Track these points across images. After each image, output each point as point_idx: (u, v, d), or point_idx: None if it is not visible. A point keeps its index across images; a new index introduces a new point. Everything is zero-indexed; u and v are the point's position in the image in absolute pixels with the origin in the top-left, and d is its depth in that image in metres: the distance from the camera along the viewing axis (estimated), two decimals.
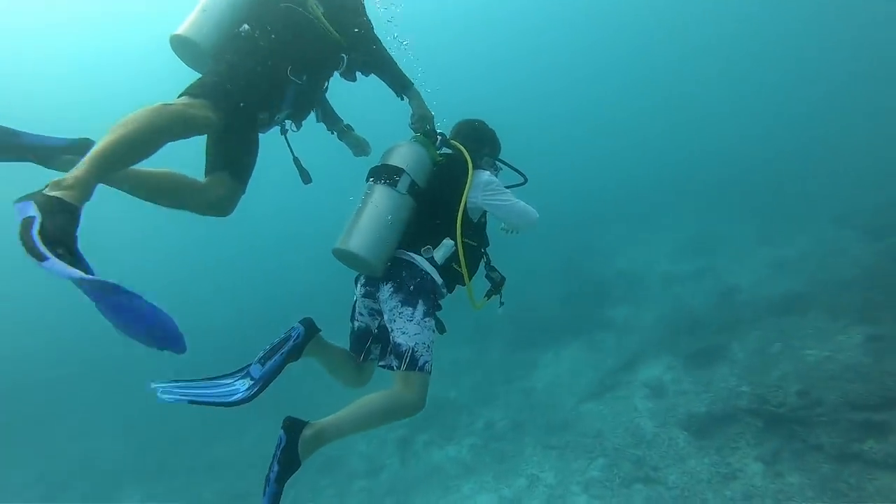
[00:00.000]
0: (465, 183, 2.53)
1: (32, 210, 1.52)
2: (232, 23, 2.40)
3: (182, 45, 2.39)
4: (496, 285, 2.71)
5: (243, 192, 2.48)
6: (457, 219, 2.45)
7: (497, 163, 3.02)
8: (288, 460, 2.00)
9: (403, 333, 2.28)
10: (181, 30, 2.35)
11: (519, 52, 32.34)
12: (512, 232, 2.92)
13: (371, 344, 2.64)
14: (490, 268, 2.72)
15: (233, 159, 2.43)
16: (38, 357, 17.76)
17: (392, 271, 2.42)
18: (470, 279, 2.52)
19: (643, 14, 28.20)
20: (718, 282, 10.41)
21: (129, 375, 14.87)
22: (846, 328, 6.62)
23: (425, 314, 2.34)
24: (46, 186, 1.63)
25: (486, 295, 2.70)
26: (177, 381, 2.09)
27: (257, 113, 2.41)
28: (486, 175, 2.63)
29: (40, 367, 16.67)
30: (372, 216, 2.38)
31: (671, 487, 5.63)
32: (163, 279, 21.43)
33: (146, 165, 2.08)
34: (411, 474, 7.63)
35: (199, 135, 2.21)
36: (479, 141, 2.90)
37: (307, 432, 2.07)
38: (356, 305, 2.66)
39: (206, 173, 2.42)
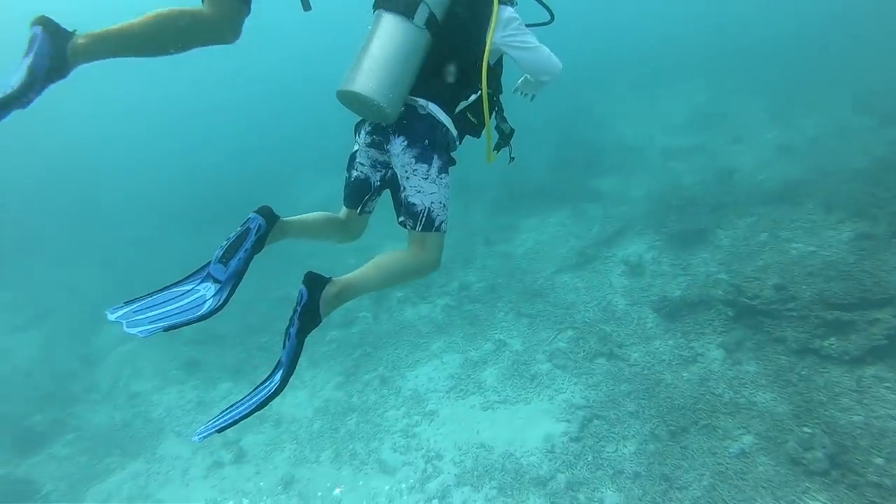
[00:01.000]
0: (490, 19, 2.21)
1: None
2: None
3: None
4: (505, 137, 2.49)
5: (248, 13, 2.19)
6: (480, 62, 2.19)
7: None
8: (309, 317, 1.90)
9: (418, 192, 2.14)
10: None
11: None
12: (526, 94, 2.69)
13: (369, 197, 2.48)
14: (501, 118, 2.46)
15: None
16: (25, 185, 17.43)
17: (404, 122, 2.18)
18: (490, 130, 2.33)
19: None
20: (717, 160, 9.99)
21: (106, 211, 14.74)
22: (838, 223, 6.41)
23: (440, 170, 2.18)
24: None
25: (494, 148, 2.48)
26: (132, 302, 1.93)
27: None
28: (509, 11, 2.28)
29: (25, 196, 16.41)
30: (383, 52, 2.07)
31: (632, 364, 5.82)
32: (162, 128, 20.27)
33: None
34: (383, 329, 7.85)
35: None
36: None
37: (329, 290, 1.96)
38: (356, 154, 2.43)
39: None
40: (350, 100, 2.14)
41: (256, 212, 2.12)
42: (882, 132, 8.88)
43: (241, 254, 1.99)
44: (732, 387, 5.06)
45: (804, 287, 5.45)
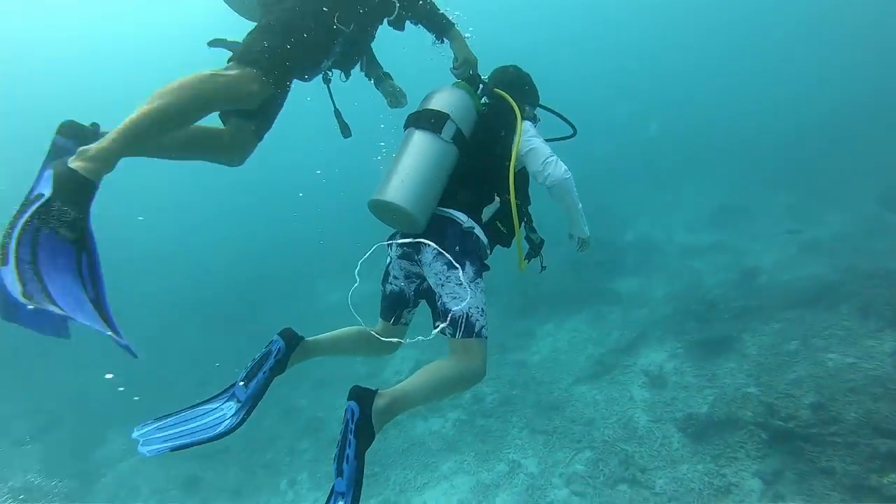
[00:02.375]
0: (514, 134, 2.38)
1: (47, 184, 1.61)
2: None
3: None
4: (536, 247, 2.56)
5: (258, 143, 2.42)
6: (507, 173, 2.31)
7: (537, 113, 2.83)
8: (365, 433, 1.86)
9: (454, 298, 2.15)
10: None
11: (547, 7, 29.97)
12: (572, 237, 2.78)
13: (406, 310, 2.53)
14: (531, 228, 2.57)
15: (262, 114, 2.35)
16: None
17: (434, 230, 2.25)
18: (520, 238, 2.41)
19: None
20: (739, 260, 9.66)
21: (121, 307, 14.98)
22: (878, 332, 5.93)
23: (475, 275, 2.21)
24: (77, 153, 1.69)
25: (525, 257, 2.53)
26: (161, 419, 2.05)
27: (304, 73, 2.40)
28: (530, 126, 2.50)
29: None
30: (413, 164, 2.21)
31: (657, 493, 5.20)
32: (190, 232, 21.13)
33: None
34: (391, 445, 7.36)
35: (243, 107, 2.16)
36: (521, 89, 2.72)
37: (379, 402, 1.93)
38: (389, 267, 2.51)
39: (226, 121, 2.33)
40: (382, 209, 2.21)
41: (279, 334, 2.22)
42: None
43: (260, 376, 2.07)
44: None
45: (847, 407, 4.91)
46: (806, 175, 12.46)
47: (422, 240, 2.24)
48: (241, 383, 2.08)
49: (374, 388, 1.98)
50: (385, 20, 2.62)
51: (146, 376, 11.01)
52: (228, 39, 2.32)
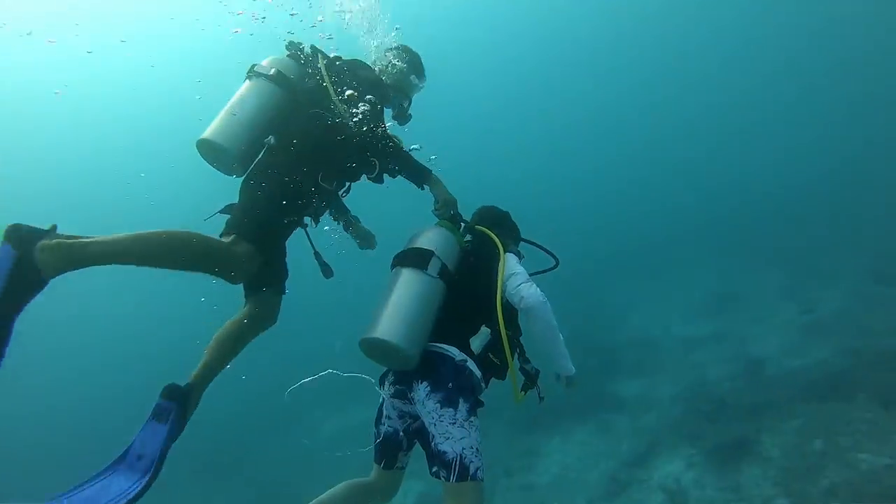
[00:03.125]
0: (498, 267, 2.43)
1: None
2: (260, 130, 2.44)
3: (209, 149, 2.40)
4: (531, 378, 2.53)
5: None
6: (495, 305, 2.33)
7: (519, 247, 2.94)
8: None
9: (448, 439, 2.09)
10: (209, 134, 2.36)
11: (519, 101, 31.77)
12: (559, 380, 2.72)
13: (399, 452, 2.48)
14: (524, 359, 2.53)
15: (275, 278, 2.50)
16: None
17: (426, 367, 2.23)
18: (513, 369, 2.39)
19: (647, 44, 27.40)
20: (742, 348, 9.30)
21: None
22: None
23: (469, 413, 2.16)
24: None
25: (522, 389, 2.50)
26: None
27: (292, 228, 2.51)
28: (513, 258, 2.56)
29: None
30: (402, 301, 2.23)
31: None
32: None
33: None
34: None
35: (234, 272, 2.21)
36: (503, 224, 2.86)
37: None
38: (383, 408, 2.49)
39: (249, 295, 2.47)
40: (374, 348, 2.19)
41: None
42: None
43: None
44: None
45: None
46: (796, 253, 12.45)
47: (414, 377, 2.23)
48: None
49: None
50: (364, 176, 2.72)
51: None
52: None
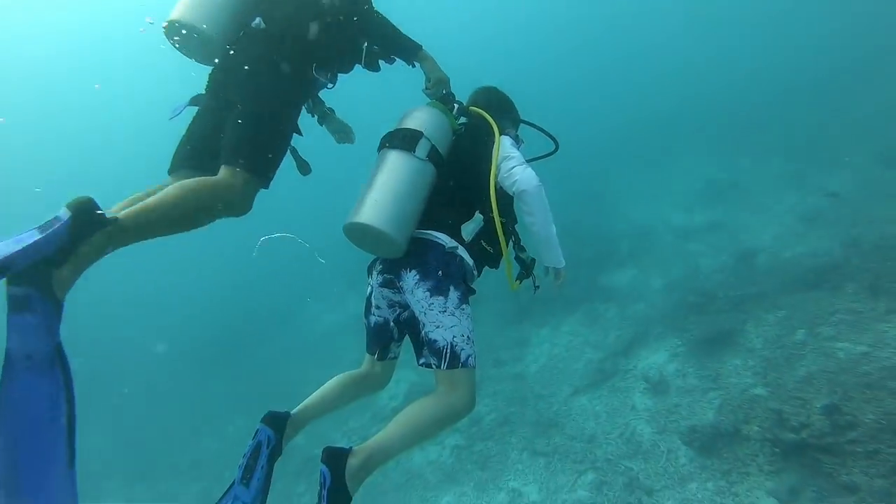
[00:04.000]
0: (492, 150, 2.28)
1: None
2: (244, 9, 2.17)
3: (184, 34, 2.09)
4: (527, 267, 2.45)
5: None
6: (488, 190, 2.21)
7: (520, 131, 2.78)
8: (339, 498, 1.78)
9: (438, 327, 2.01)
10: (181, 14, 2.06)
11: None
12: (548, 273, 2.58)
13: (391, 342, 2.39)
14: (520, 247, 2.44)
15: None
16: None
17: (415, 255, 2.13)
18: (507, 256, 2.30)
19: None
20: (737, 238, 9.20)
21: (117, 368, 14.69)
22: (889, 313, 5.47)
23: (460, 301, 2.07)
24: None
25: (517, 278, 2.43)
26: None
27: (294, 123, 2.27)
28: (508, 141, 2.39)
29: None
30: (389, 185, 2.09)
31: None
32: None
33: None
34: (389, 480, 7.00)
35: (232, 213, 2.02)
36: (500, 107, 2.67)
37: (353, 462, 1.84)
38: (371, 297, 2.36)
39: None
40: (358, 234, 2.07)
41: (263, 422, 2.06)
42: None
43: (258, 472, 1.93)
44: None
45: (864, 406, 4.48)
46: (800, 140, 11.91)
47: (402, 266, 2.13)
48: (242, 485, 1.92)
49: (347, 448, 1.88)
50: (357, 65, 2.50)
51: (142, 432, 10.78)
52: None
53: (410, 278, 2.09)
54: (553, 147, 2.78)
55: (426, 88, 2.63)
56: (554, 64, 28.72)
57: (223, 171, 1.96)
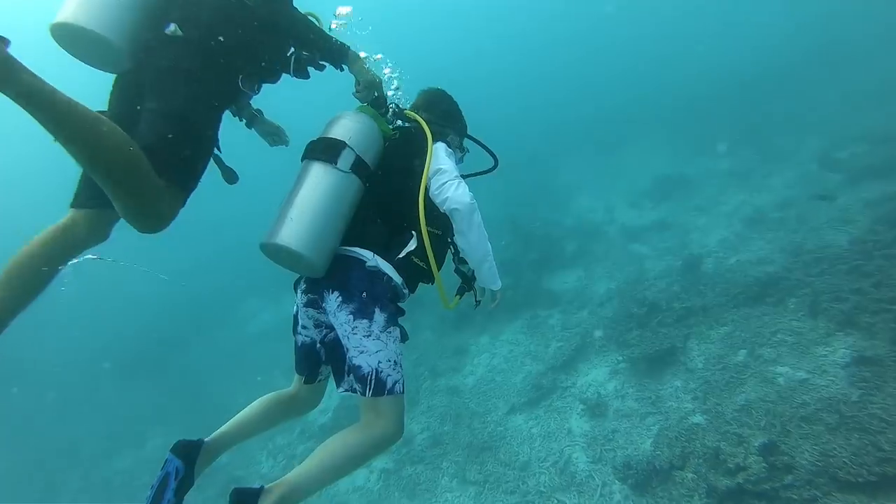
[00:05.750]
0: (425, 159, 2.13)
1: None
2: (155, 13, 1.88)
3: (82, 39, 1.79)
4: (468, 280, 2.36)
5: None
6: (417, 202, 2.05)
7: (464, 143, 2.60)
8: None
9: (362, 353, 1.89)
10: (75, 17, 1.74)
11: None
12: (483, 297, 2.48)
13: (320, 364, 2.24)
14: (459, 260, 2.34)
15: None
16: None
17: (337, 275, 1.99)
18: (438, 274, 2.13)
19: None
20: (684, 240, 8.97)
21: (20, 366, 13.51)
22: (828, 337, 5.24)
23: (386, 324, 1.94)
24: None
25: (457, 293, 2.36)
26: None
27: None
28: (443, 150, 2.21)
29: None
30: (307, 201, 1.93)
31: None
32: None
33: None
34: None
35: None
36: (443, 113, 2.49)
37: (268, 501, 1.71)
38: (298, 316, 2.23)
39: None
40: (274, 253, 1.95)
41: (172, 451, 1.93)
42: (854, 191, 7.88)
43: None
44: None
45: (801, 444, 4.22)
46: (751, 132, 11.76)
47: (325, 287, 2.02)
48: None
49: (258, 488, 1.77)
50: (284, 74, 2.31)
51: (53, 445, 9.87)
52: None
53: (333, 300, 1.97)
54: (492, 164, 2.59)
55: (356, 92, 2.41)
56: (514, 51, 28.06)
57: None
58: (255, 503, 1.72)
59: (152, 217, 1.73)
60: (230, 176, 2.33)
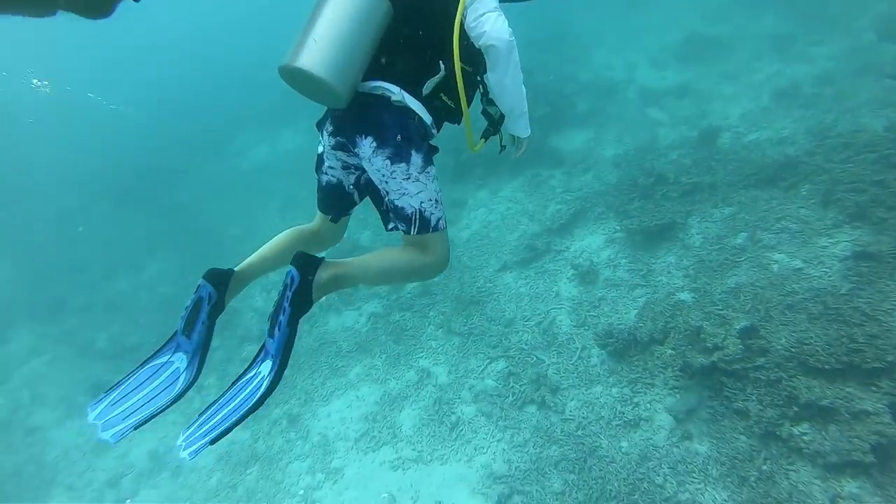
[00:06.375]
0: None
1: None
2: None
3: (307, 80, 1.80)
4: (494, 123, 2.18)
5: None
6: (452, 34, 1.87)
7: None
8: (301, 301, 1.77)
9: (404, 195, 1.88)
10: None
11: None
12: (513, 145, 2.36)
13: (347, 204, 2.23)
14: (487, 100, 2.14)
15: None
16: None
17: (368, 117, 1.87)
18: (468, 113, 2.00)
19: None
20: (704, 108, 8.40)
21: (14, 184, 13.32)
22: (834, 228, 5.11)
23: (424, 164, 1.90)
24: None
25: (482, 136, 2.20)
26: (110, 391, 1.85)
27: None
28: None
29: None
30: (333, 23, 1.76)
31: (566, 419, 4.83)
32: None
33: None
34: (302, 344, 6.85)
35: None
36: None
37: (322, 274, 1.84)
38: (323, 157, 2.16)
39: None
40: (294, 78, 1.82)
41: (205, 278, 1.98)
42: None
43: (199, 326, 1.91)
44: (676, 473, 4.08)
45: (780, 330, 4.30)
46: None
47: (355, 131, 1.90)
48: (183, 334, 1.91)
49: (320, 257, 1.88)
50: None
51: (54, 266, 10.11)
52: None
53: (367, 146, 1.87)
54: None
55: None
56: None
57: None
58: (315, 269, 1.82)
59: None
60: None
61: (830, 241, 4.99)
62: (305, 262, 1.81)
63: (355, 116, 1.90)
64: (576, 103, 9.51)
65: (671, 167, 6.92)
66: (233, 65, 17.96)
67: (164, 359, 1.94)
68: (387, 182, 1.89)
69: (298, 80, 1.81)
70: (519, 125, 2.20)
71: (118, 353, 7.73)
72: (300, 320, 1.77)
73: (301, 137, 12.70)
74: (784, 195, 5.76)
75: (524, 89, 2.05)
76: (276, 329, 1.73)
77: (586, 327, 5.54)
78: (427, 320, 6.53)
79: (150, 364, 1.93)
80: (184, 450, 1.67)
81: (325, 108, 2.06)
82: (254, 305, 7.85)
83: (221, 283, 2.01)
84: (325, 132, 2.07)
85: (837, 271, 4.66)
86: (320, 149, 2.17)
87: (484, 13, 1.89)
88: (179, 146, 13.11)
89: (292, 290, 1.75)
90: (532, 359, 5.48)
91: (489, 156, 8.57)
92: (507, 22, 1.92)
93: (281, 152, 12.56)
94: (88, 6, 1.50)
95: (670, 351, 4.67)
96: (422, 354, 6.12)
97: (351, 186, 2.16)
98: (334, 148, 2.06)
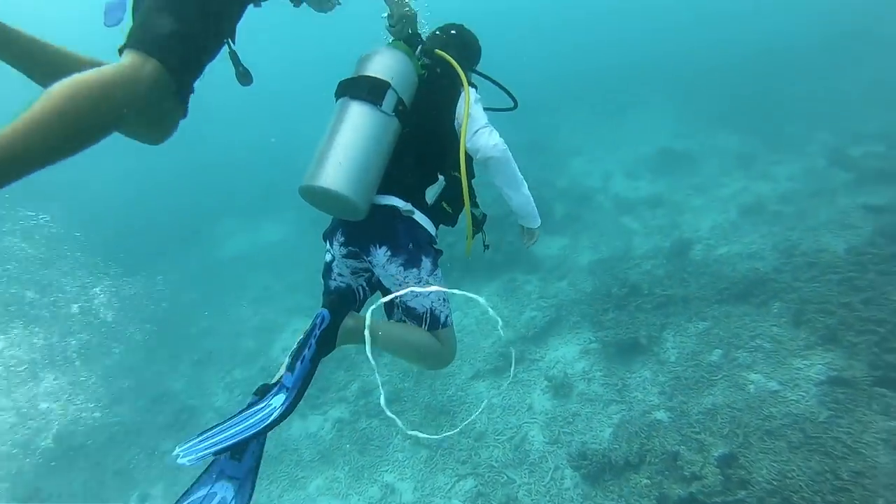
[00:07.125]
0: (459, 103, 2.11)
1: None
2: None
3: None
4: (479, 223, 2.28)
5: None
6: (454, 148, 2.09)
7: (474, 79, 2.47)
8: (325, 342, 1.78)
9: (416, 297, 1.99)
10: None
11: None
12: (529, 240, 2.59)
13: (357, 305, 2.21)
14: (474, 203, 2.20)
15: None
16: None
17: (382, 228, 1.99)
18: (470, 219, 2.18)
19: None
20: (676, 220, 8.66)
21: None
22: (807, 349, 5.08)
23: (432, 268, 2.03)
24: None
25: (467, 236, 2.26)
26: (202, 434, 1.62)
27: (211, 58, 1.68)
28: (474, 97, 2.15)
29: None
30: (351, 143, 1.88)
31: None
32: None
33: None
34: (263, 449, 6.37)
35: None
36: (465, 52, 2.43)
37: (349, 322, 1.86)
38: (332, 265, 2.20)
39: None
40: (315, 196, 1.91)
41: (325, 305, 1.92)
42: (858, 193, 7.57)
43: (305, 359, 1.74)
44: None
45: (760, 459, 4.13)
46: (762, 112, 11.24)
47: (369, 242, 2.01)
48: (287, 371, 1.75)
49: (349, 307, 1.97)
50: None
51: None
52: None
53: (381, 254, 1.98)
54: (511, 104, 2.53)
55: (391, 26, 2.26)
56: (522, 3, 26.35)
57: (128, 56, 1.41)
58: (343, 315, 1.85)
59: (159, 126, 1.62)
60: (245, 77, 2.06)
61: (805, 362, 4.93)
62: (337, 308, 1.86)
63: (369, 227, 2.00)
64: (553, 209, 9.77)
65: (645, 278, 6.98)
66: (219, 149, 18.43)
67: (264, 402, 1.75)
68: (400, 286, 1.98)
69: (320, 197, 1.90)
70: (530, 217, 2.37)
71: (58, 455, 7.11)
72: (321, 359, 1.79)
73: (284, 229, 12.76)
74: (756, 312, 5.78)
75: (525, 187, 2.22)
76: (299, 362, 1.71)
77: (559, 445, 5.26)
78: (395, 429, 6.18)
79: (247, 413, 1.74)
80: (182, 457, 1.57)
81: (333, 217, 2.15)
82: (214, 405, 7.41)
83: (339, 312, 1.92)
84: (335, 242, 2.14)
85: (814, 396, 4.57)
86: (328, 257, 2.24)
87: (477, 130, 2.08)
88: (158, 229, 13.05)
89: (321, 328, 1.78)
90: (503, 478, 5.14)
91: (464, 259, 8.65)
92: (498, 135, 2.09)
93: (261, 244, 12.55)
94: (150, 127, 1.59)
95: (646, 480, 4.40)
96: (387, 468, 5.72)
97: (360, 288, 2.25)
98: (346, 256, 2.13)
